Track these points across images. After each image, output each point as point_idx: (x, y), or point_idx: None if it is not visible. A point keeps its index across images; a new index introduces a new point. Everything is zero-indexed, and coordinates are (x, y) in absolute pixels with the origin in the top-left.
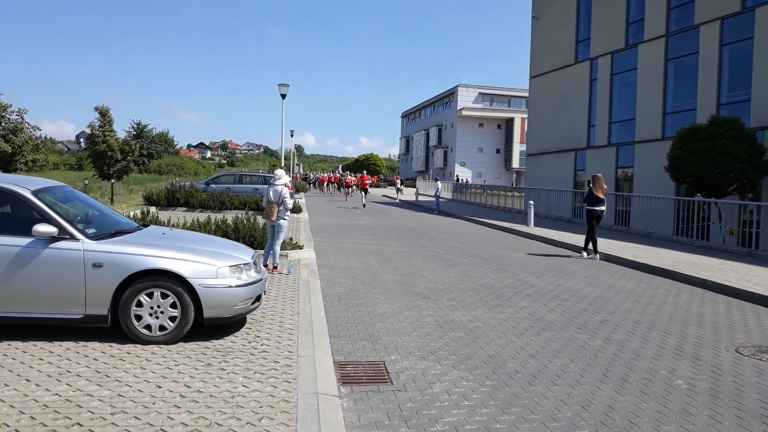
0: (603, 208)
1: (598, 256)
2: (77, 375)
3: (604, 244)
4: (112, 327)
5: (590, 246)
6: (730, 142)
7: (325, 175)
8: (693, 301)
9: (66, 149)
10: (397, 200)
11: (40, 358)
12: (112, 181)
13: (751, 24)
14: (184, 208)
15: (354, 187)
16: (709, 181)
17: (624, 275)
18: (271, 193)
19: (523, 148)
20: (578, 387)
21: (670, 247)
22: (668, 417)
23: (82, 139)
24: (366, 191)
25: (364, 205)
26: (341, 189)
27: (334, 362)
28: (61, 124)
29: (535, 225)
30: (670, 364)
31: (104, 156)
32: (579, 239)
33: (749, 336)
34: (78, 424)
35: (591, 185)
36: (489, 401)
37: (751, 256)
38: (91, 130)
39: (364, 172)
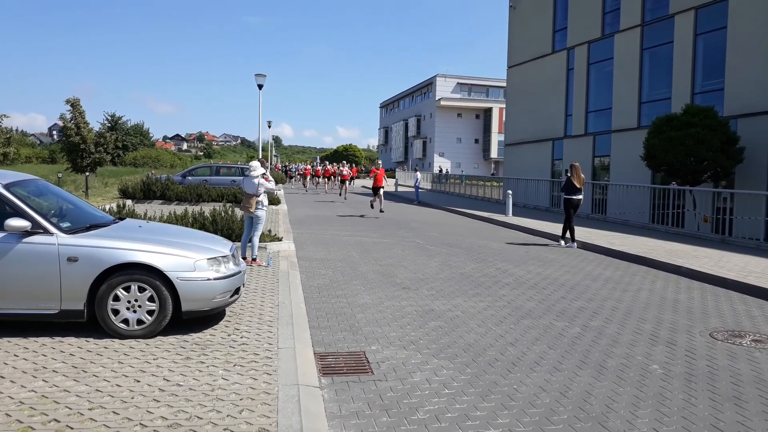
0: (580, 197)
1: (575, 244)
2: (53, 371)
3: (582, 233)
4: (89, 322)
5: (568, 234)
6: (705, 130)
7: (309, 166)
8: (668, 288)
9: (38, 142)
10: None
11: (15, 355)
12: (87, 174)
13: (725, 14)
14: (161, 201)
15: (334, 179)
16: (684, 169)
17: (601, 263)
18: (247, 185)
19: (502, 138)
20: (556, 374)
21: (646, 234)
22: (644, 401)
23: (54, 132)
24: (348, 182)
25: (381, 211)
26: (328, 182)
27: (314, 353)
28: (32, 117)
29: (513, 214)
30: (646, 350)
31: (78, 148)
32: (556, 228)
33: (723, 321)
34: (55, 420)
35: (569, 174)
36: (469, 389)
37: (724, 242)
38: (63, 123)
39: (348, 163)
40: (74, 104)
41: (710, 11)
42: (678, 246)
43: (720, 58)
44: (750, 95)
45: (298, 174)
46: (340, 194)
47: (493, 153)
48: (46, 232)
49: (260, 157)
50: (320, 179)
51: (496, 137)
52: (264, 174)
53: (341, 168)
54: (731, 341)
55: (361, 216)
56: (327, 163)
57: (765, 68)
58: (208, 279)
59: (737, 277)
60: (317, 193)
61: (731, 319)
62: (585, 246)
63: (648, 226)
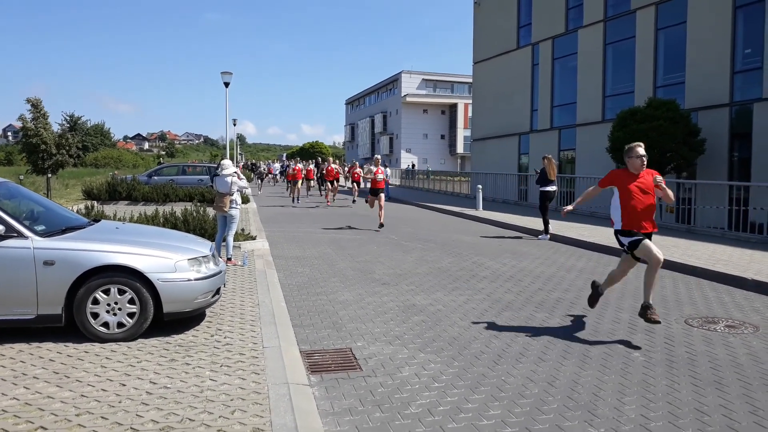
0: (554, 188)
1: (548, 236)
2: (34, 377)
3: (552, 225)
4: (67, 326)
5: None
6: (667, 123)
7: (299, 166)
8: (640, 277)
9: None
10: (346, 188)
11: None
12: (48, 175)
13: (684, 9)
14: (127, 202)
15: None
16: (649, 161)
17: (573, 254)
18: (219, 184)
19: (467, 133)
20: (542, 364)
21: None
22: (629, 388)
23: (9, 133)
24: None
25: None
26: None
27: (300, 351)
28: None
29: (484, 209)
30: (626, 338)
31: (38, 150)
32: (527, 221)
33: (696, 308)
34: (42, 427)
35: (542, 167)
36: (458, 382)
37: (690, 232)
38: (23, 123)
39: (331, 159)
40: (36, 104)
41: (670, 6)
42: None
43: (680, 52)
44: (709, 88)
45: (271, 175)
46: (354, 200)
47: (459, 148)
48: (21, 235)
49: (227, 156)
50: (311, 183)
51: (462, 133)
52: (236, 172)
53: (350, 166)
54: (706, 327)
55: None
56: (310, 162)
57: (722, 62)
58: (189, 280)
59: (706, 265)
60: (315, 205)
61: (704, 306)
62: (556, 238)
63: None
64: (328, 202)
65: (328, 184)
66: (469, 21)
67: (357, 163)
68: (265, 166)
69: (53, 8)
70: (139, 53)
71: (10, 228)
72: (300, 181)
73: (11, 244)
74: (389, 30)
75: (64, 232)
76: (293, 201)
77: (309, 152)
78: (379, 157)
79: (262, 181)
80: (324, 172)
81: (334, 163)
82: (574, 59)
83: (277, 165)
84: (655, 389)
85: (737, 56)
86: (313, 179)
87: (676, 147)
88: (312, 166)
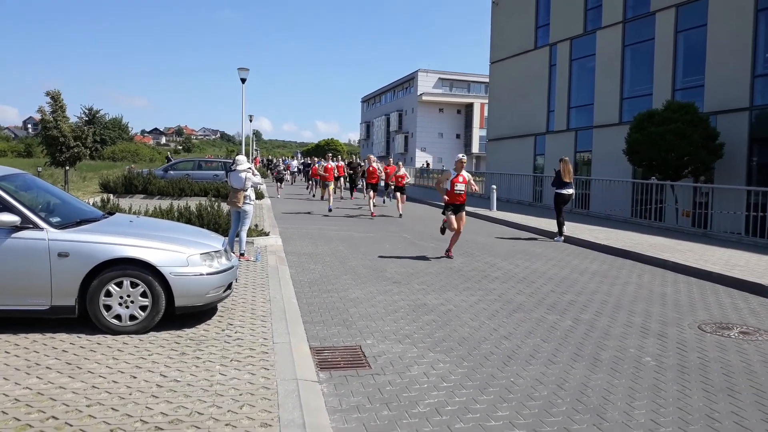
0: (571, 191)
1: (562, 238)
2: (47, 367)
3: (566, 227)
4: (80, 318)
5: (563, 227)
6: (685, 126)
7: (331, 164)
8: (655, 281)
9: (13, 135)
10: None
11: (6, 351)
12: (66, 168)
13: (705, 11)
14: (143, 195)
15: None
16: (666, 164)
17: (587, 257)
18: (233, 179)
19: (483, 133)
20: (552, 366)
21: (628, 228)
22: (640, 393)
23: (29, 125)
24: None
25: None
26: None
27: (310, 348)
28: (4, 109)
29: (498, 209)
30: (637, 342)
31: (57, 142)
32: (541, 222)
33: (710, 313)
34: (53, 417)
35: (558, 169)
36: (467, 382)
37: (706, 236)
38: (42, 116)
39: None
40: (55, 97)
41: (690, 9)
42: (661, 240)
43: (700, 55)
44: (729, 91)
45: (288, 172)
46: (384, 201)
47: (475, 148)
48: (36, 227)
49: (242, 152)
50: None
51: (477, 132)
52: (250, 168)
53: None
54: (720, 333)
55: None
56: (331, 157)
57: (742, 65)
58: (201, 274)
59: (722, 270)
60: (354, 214)
61: (718, 312)
62: (570, 240)
63: (630, 221)
64: (372, 213)
65: (371, 190)
66: (486, 20)
67: (372, 157)
68: (282, 164)
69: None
70: (156, 50)
71: (26, 219)
72: (332, 183)
73: (27, 236)
74: (406, 28)
75: (78, 224)
76: (328, 209)
77: (324, 149)
78: (392, 158)
79: (281, 183)
80: (365, 173)
81: (376, 162)
82: (592, 60)
83: (294, 162)
84: (666, 394)
85: (758, 60)
86: (343, 176)
87: (694, 150)
88: (341, 162)
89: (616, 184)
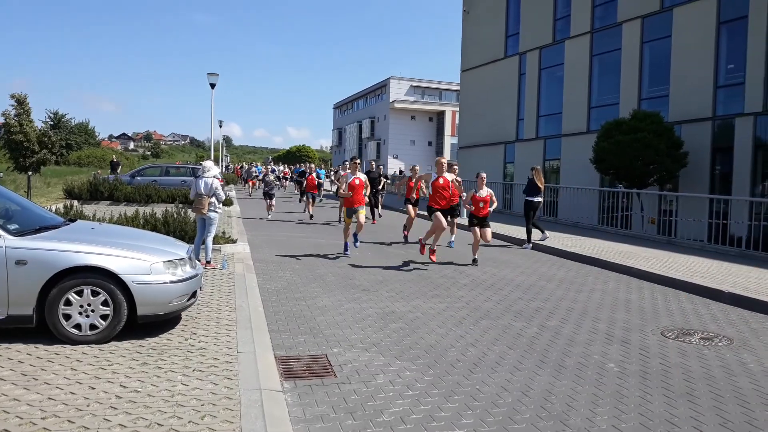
0: (540, 199)
1: (530, 245)
2: (1, 379)
3: (534, 234)
4: (38, 327)
5: (532, 235)
6: (651, 135)
7: (360, 177)
8: (620, 288)
9: None
10: (332, 193)
11: None
12: (29, 173)
13: (669, 23)
14: (109, 202)
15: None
16: (632, 172)
17: (554, 264)
18: (201, 185)
19: (454, 141)
20: (517, 373)
21: (596, 236)
22: (603, 399)
23: None
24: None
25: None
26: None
27: (275, 357)
28: None
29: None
30: (602, 349)
31: (21, 147)
32: (510, 230)
33: (672, 320)
34: (5, 430)
35: (530, 177)
36: (432, 390)
37: (671, 243)
38: (6, 119)
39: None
40: (21, 100)
41: (656, 20)
42: (627, 247)
43: (665, 66)
44: (692, 102)
45: (276, 180)
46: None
47: (447, 156)
48: None
49: (212, 157)
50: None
51: (448, 140)
52: (216, 175)
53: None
54: (681, 339)
55: None
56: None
57: (705, 76)
58: (165, 282)
59: (684, 276)
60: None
61: (680, 318)
62: (538, 247)
63: (598, 228)
64: (422, 249)
65: (409, 207)
66: (458, 29)
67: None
68: (271, 173)
69: (36, 4)
70: (125, 53)
71: None
72: (363, 209)
73: None
74: (377, 36)
75: (37, 231)
76: (353, 241)
77: (296, 155)
78: (418, 167)
79: (272, 200)
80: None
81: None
82: (560, 69)
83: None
84: (628, 400)
85: (720, 71)
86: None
87: (659, 159)
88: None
89: (584, 192)
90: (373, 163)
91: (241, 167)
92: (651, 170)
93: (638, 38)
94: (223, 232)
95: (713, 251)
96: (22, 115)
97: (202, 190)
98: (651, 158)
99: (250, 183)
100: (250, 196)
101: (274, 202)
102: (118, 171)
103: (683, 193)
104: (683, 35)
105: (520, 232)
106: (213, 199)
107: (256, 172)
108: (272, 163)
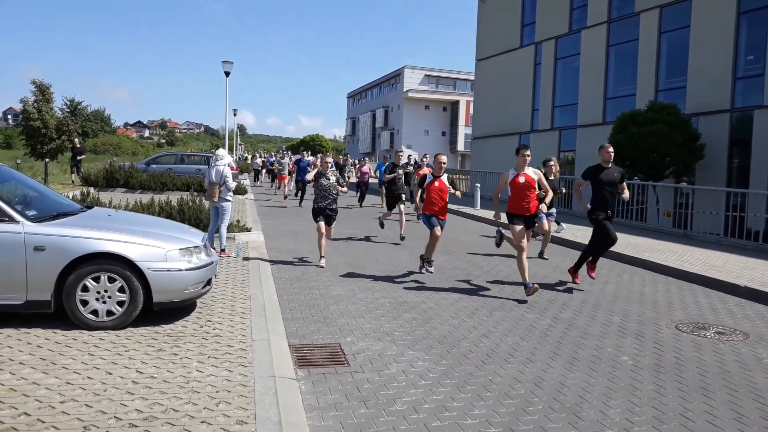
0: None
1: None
2: (21, 363)
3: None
4: (56, 313)
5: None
6: (668, 127)
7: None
8: (634, 281)
9: None
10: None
11: None
12: (47, 160)
13: (688, 13)
14: (124, 189)
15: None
16: (648, 164)
17: (568, 256)
18: (213, 173)
19: (468, 131)
20: (530, 365)
21: None
22: (616, 392)
23: (10, 116)
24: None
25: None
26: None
27: (289, 345)
28: None
29: (481, 207)
30: (615, 342)
31: (38, 133)
32: None
33: (687, 313)
34: (25, 413)
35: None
36: (445, 380)
37: (686, 237)
38: (24, 106)
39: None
40: (42, 88)
41: (674, 10)
42: (642, 240)
43: (683, 57)
44: (710, 94)
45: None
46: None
47: (460, 146)
48: (12, 220)
49: (226, 146)
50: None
51: (462, 130)
52: (229, 164)
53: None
54: (696, 333)
55: None
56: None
57: (724, 68)
58: (180, 270)
59: (700, 270)
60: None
61: (695, 312)
62: (553, 239)
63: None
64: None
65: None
66: (473, 18)
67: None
68: (310, 164)
69: None
70: (141, 41)
71: (1, 212)
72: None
73: (2, 229)
74: (392, 24)
75: (55, 218)
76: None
77: (309, 145)
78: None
79: (303, 194)
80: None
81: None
82: (576, 60)
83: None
84: (642, 393)
85: (739, 62)
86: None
87: (675, 151)
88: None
89: None
90: (401, 153)
91: (254, 156)
92: (667, 163)
93: (656, 28)
94: (238, 221)
95: (730, 245)
96: (41, 102)
97: (214, 179)
98: (667, 151)
99: (278, 180)
100: (285, 198)
101: (333, 228)
102: (79, 159)
103: (700, 186)
104: (702, 25)
105: None
106: (224, 187)
107: (291, 165)
108: (288, 153)
